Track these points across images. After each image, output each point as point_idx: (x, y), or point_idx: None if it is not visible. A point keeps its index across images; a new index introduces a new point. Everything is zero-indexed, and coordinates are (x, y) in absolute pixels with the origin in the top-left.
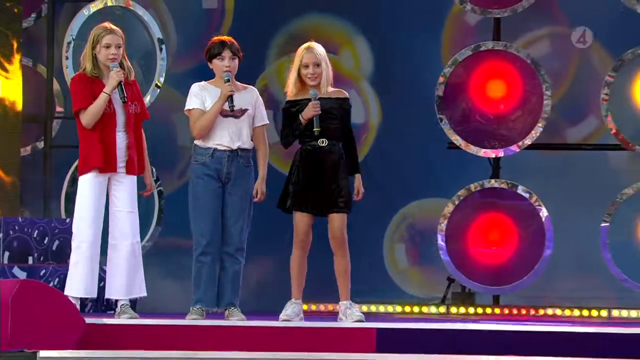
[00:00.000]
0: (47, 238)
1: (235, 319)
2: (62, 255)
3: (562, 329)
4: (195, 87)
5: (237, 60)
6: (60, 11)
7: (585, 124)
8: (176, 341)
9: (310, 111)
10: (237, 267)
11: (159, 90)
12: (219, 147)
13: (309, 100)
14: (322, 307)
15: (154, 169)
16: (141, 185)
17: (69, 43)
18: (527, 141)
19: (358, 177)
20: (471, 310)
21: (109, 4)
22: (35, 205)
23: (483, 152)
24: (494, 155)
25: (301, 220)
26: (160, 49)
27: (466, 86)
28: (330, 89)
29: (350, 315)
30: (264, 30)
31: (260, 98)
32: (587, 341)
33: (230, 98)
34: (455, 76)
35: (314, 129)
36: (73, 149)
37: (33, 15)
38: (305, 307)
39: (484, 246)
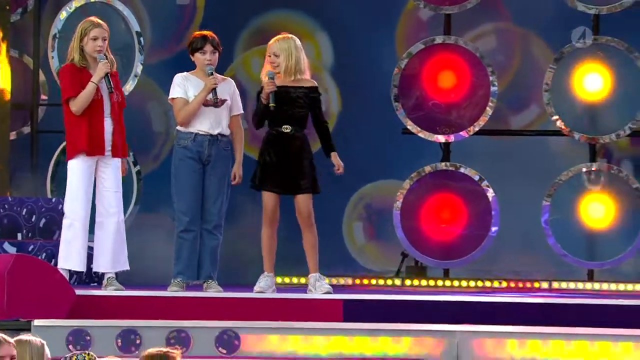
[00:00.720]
0: (34, 216)
1: (213, 291)
2: (49, 231)
3: (507, 299)
4: (178, 78)
5: (217, 54)
6: (45, 6)
7: (528, 112)
8: (159, 311)
9: (265, 88)
10: (215, 242)
11: (137, 80)
12: (200, 132)
13: (273, 89)
14: (294, 280)
15: (131, 153)
16: None
17: (55, 36)
18: (475, 127)
19: (334, 155)
20: (424, 282)
21: (93, 0)
22: (23, 186)
23: (435, 138)
24: (444, 140)
25: (268, 199)
26: (139, 42)
27: (419, 77)
28: (302, 77)
29: (319, 287)
30: (232, 25)
31: (236, 89)
32: (529, 310)
33: (214, 90)
34: (409, 68)
35: (270, 105)
36: (57, 134)
37: (19, 10)
38: (277, 279)
39: (436, 224)
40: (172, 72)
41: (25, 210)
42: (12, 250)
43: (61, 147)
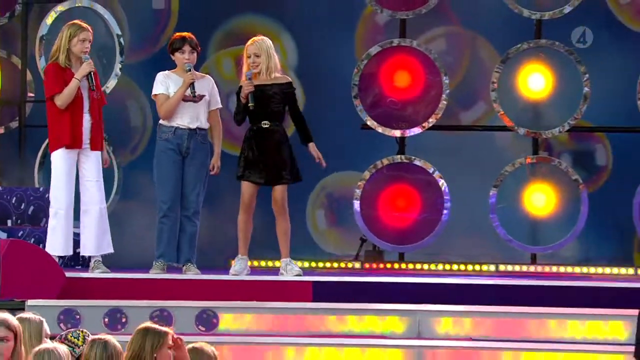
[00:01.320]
0: (23, 204)
1: (192, 274)
2: (37, 218)
3: (457, 281)
4: (160, 76)
5: (195, 54)
6: (31, 11)
7: (476, 109)
8: (143, 292)
9: (244, 89)
10: (193, 228)
11: (117, 79)
12: (180, 126)
13: (251, 89)
14: (269, 264)
15: (110, 147)
16: None
17: (42, 38)
18: (429, 123)
19: (312, 145)
20: (381, 265)
21: (78, 5)
22: (12, 176)
23: (391, 132)
24: (400, 135)
25: (247, 189)
26: (119, 44)
27: (377, 76)
28: (277, 75)
29: (290, 270)
30: (204, 28)
31: (215, 86)
32: (477, 291)
33: (191, 85)
34: (368, 68)
35: (249, 104)
36: (44, 128)
37: (7, 14)
38: (254, 263)
39: (392, 211)
40: (150, 72)
41: (14, 198)
42: (2, 235)
43: (47, 140)
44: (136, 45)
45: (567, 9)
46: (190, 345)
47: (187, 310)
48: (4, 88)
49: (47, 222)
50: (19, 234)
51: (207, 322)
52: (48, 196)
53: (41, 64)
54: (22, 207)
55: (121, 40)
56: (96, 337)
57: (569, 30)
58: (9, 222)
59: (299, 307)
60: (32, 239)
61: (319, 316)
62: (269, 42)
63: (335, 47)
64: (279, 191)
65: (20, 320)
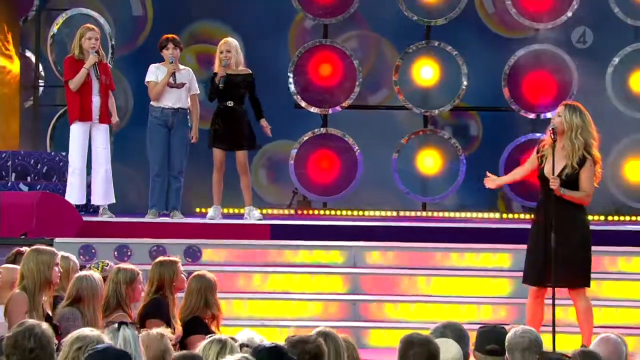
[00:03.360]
0: (39, 164)
1: (177, 218)
2: (49, 175)
3: (368, 223)
4: (152, 67)
5: (178, 50)
6: (41, 16)
7: (381, 93)
8: (142, 232)
9: (219, 73)
10: (178, 184)
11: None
12: (166, 107)
13: (226, 74)
14: (236, 210)
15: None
16: None
17: (52, 37)
18: (345, 104)
19: (263, 120)
20: (309, 212)
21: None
22: (28, 143)
23: (318, 110)
24: (324, 113)
25: (217, 154)
26: (110, 39)
27: (306, 68)
28: (241, 67)
29: (252, 215)
30: (172, 31)
31: (194, 76)
32: (381, 230)
33: (173, 74)
34: (299, 61)
35: (220, 85)
36: (52, 107)
37: (23, 18)
38: (224, 210)
39: (318, 170)
40: (131, 63)
41: (32, 160)
42: (25, 188)
43: (57, 115)
44: (120, 43)
45: (451, 17)
46: (195, 273)
47: (176, 246)
48: (22, 75)
49: (57, 178)
50: (37, 187)
51: (192, 255)
52: (58, 159)
53: (52, 57)
54: (38, 167)
55: (112, 39)
56: (121, 265)
57: (452, 34)
58: (29, 179)
59: (260, 243)
60: (47, 191)
61: (278, 250)
62: (236, 42)
63: (273, 45)
64: (241, 155)
65: (62, 258)
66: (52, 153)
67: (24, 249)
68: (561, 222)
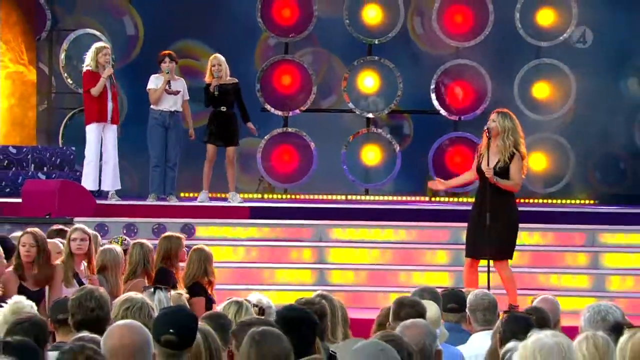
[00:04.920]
0: (53, 157)
1: (173, 202)
2: (62, 166)
3: (321, 205)
4: (153, 77)
5: (174, 63)
6: (53, 34)
7: (331, 99)
8: (144, 213)
9: (213, 83)
10: (173, 174)
11: None
12: (164, 110)
13: (218, 84)
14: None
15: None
16: None
17: (64, 52)
18: (303, 108)
19: (249, 123)
20: (274, 196)
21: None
22: (44, 139)
23: (280, 113)
24: (286, 115)
25: (210, 148)
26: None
27: (271, 79)
28: (229, 78)
29: (235, 199)
30: (160, 48)
31: (185, 85)
32: (333, 211)
33: (168, 82)
34: (265, 74)
35: (215, 92)
36: (63, 110)
37: (38, 37)
38: (210, 194)
39: (281, 162)
40: (125, 75)
41: (48, 153)
42: (43, 177)
43: (68, 116)
44: (116, 58)
45: (389, 37)
46: (195, 246)
47: (174, 224)
48: (37, 84)
49: (68, 168)
50: (52, 176)
51: (188, 231)
52: (69, 152)
53: (64, 70)
54: (52, 159)
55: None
56: (137, 240)
57: (389, 50)
58: (45, 169)
59: (242, 222)
60: (64, 179)
61: (258, 228)
62: (223, 57)
63: (243, 60)
64: (230, 151)
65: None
66: (64, 148)
67: (60, 227)
68: (495, 204)
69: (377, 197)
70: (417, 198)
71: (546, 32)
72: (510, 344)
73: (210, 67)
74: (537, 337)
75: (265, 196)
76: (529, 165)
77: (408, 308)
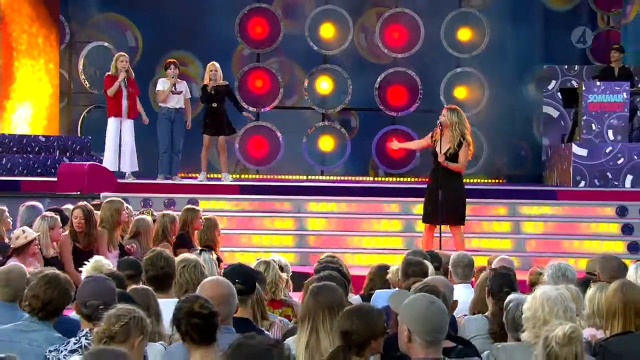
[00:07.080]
0: (74, 144)
1: (177, 180)
2: (81, 152)
3: (292, 183)
4: (160, 80)
5: (177, 70)
6: (71, 44)
7: (295, 98)
8: (156, 189)
9: (210, 84)
10: (177, 158)
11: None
12: (170, 107)
13: (214, 86)
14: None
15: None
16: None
17: (83, 60)
18: (272, 105)
19: (244, 112)
20: (248, 176)
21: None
22: (65, 130)
23: (254, 109)
24: (259, 111)
25: (206, 138)
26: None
27: (246, 83)
28: (222, 80)
29: (227, 179)
30: (156, 57)
31: (187, 87)
32: (309, 189)
33: (174, 85)
34: (241, 79)
35: (211, 92)
36: (80, 106)
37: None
38: (208, 175)
39: (255, 149)
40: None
41: (70, 142)
42: (66, 160)
43: (85, 111)
44: None
45: (341, 48)
46: (205, 217)
47: (181, 199)
48: (60, 86)
49: (86, 153)
50: (74, 159)
51: (193, 204)
52: (87, 141)
53: (83, 76)
54: (73, 145)
55: None
56: (164, 212)
57: (341, 59)
58: (67, 154)
59: (234, 197)
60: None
61: (249, 202)
62: (218, 64)
63: (222, 67)
64: (222, 139)
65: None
66: (82, 137)
67: (97, 201)
68: (446, 182)
69: (332, 178)
70: (364, 178)
71: (464, 46)
72: (511, 296)
73: (208, 71)
74: (543, 290)
75: (242, 176)
76: (473, 151)
77: (414, 266)
